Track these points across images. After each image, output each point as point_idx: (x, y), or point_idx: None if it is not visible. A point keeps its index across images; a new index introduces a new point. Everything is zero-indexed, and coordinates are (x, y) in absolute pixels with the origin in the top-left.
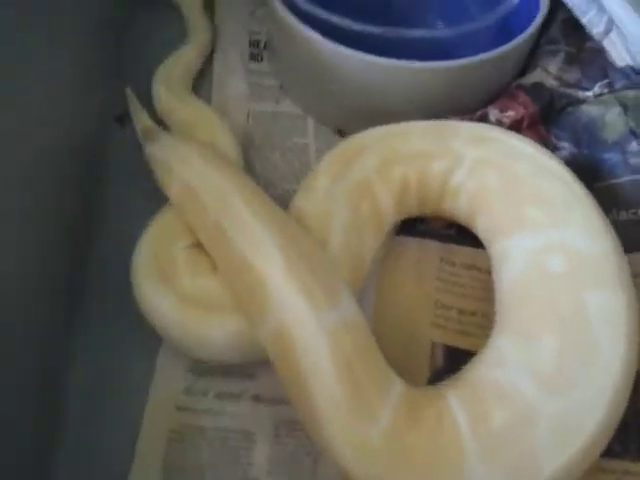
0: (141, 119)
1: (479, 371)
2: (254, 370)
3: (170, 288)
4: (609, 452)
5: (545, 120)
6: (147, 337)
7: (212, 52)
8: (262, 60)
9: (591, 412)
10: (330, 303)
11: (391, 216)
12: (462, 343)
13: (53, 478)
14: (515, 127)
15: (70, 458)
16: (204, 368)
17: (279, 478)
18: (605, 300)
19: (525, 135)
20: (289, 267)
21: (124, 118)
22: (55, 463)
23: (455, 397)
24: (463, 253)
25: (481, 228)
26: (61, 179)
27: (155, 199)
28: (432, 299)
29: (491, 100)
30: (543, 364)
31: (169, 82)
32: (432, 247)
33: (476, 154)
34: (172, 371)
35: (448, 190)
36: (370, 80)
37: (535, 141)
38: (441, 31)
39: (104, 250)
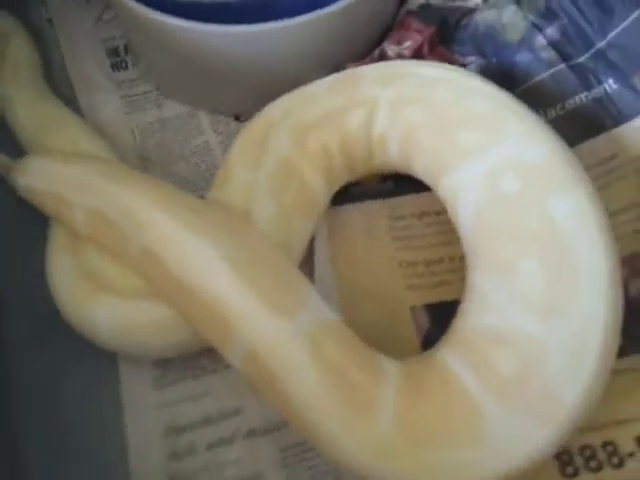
0: None
1: (468, 321)
2: (240, 403)
3: (75, 263)
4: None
5: (444, 40)
6: None
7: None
8: (127, 67)
9: (593, 324)
10: (297, 307)
11: (322, 194)
12: (441, 295)
13: None
14: (417, 56)
15: None
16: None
17: None
18: (570, 204)
19: (431, 59)
20: (241, 278)
21: None
22: None
23: (453, 356)
24: (408, 204)
25: (420, 170)
26: None
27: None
28: (395, 261)
29: (383, 36)
30: (530, 292)
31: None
32: (375, 207)
33: (391, 94)
34: (149, 439)
35: (374, 142)
36: (246, 52)
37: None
38: None
39: None
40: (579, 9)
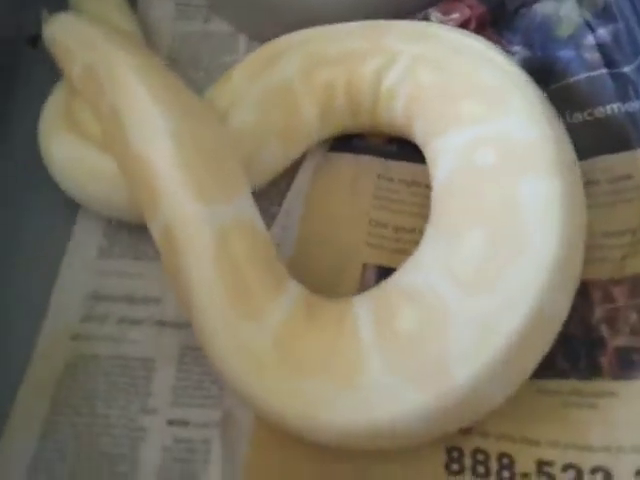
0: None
1: (395, 277)
2: (161, 294)
3: (63, 112)
4: (553, 371)
5: (496, 23)
6: None
7: None
8: None
9: (512, 311)
10: (223, 199)
11: (313, 128)
12: (398, 262)
13: None
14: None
15: None
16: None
17: (182, 408)
18: (538, 187)
19: None
20: (180, 157)
21: (37, 40)
22: None
23: (363, 303)
24: (403, 169)
25: (418, 134)
26: None
27: None
28: (367, 217)
29: (434, 2)
30: (464, 262)
31: None
32: (369, 163)
33: (413, 51)
34: (69, 298)
35: (381, 93)
36: None
37: None
38: None
39: None
40: (638, 16)
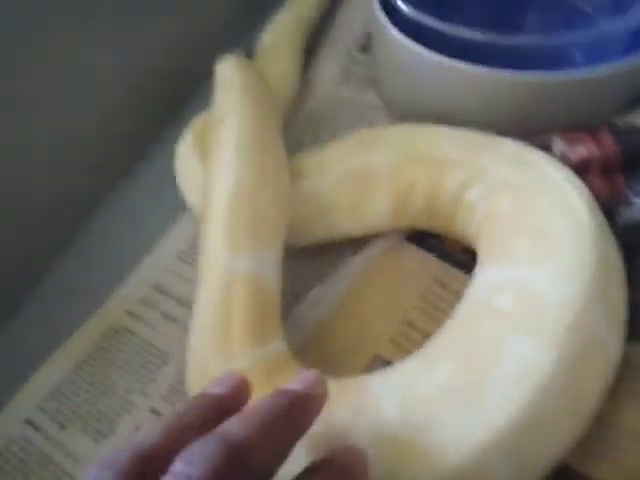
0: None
1: (365, 376)
2: None
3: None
4: None
5: (626, 169)
6: None
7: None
8: (366, 51)
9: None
10: (247, 251)
11: (385, 219)
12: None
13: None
14: (581, 166)
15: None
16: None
17: (168, 405)
18: (526, 351)
19: (595, 180)
20: (229, 212)
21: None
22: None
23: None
24: (462, 281)
25: (479, 252)
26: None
27: None
28: (402, 315)
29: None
30: (419, 389)
31: (275, 28)
32: (432, 264)
33: (503, 173)
34: (142, 280)
35: (461, 204)
36: (457, 86)
37: (605, 189)
38: (551, 37)
39: None
40: None
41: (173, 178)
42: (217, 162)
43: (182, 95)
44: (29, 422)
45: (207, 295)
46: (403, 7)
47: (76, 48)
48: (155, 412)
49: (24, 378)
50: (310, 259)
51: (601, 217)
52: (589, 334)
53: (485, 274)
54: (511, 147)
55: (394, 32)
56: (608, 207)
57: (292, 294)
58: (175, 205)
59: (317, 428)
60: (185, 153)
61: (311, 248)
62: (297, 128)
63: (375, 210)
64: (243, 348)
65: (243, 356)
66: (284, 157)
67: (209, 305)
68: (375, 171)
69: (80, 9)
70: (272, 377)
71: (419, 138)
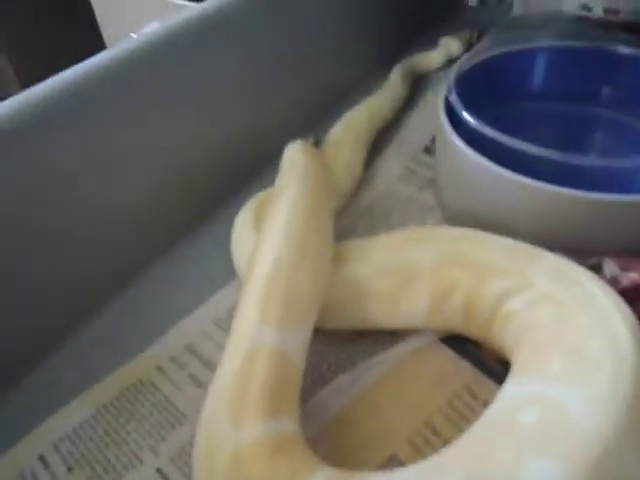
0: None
1: (371, 473)
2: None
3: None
4: None
5: None
6: None
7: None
8: (430, 153)
9: None
10: (275, 325)
11: (420, 315)
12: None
13: None
14: (632, 294)
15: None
16: None
17: (174, 468)
18: (544, 476)
19: None
20: (268, 279)
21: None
22: None
23: (323, 473)
24: (492, 391)
25: (513, 365)
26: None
27: None
28: (425, 417)
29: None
30: None
31: (346, 121)
32: (466, 371)
33: (546, 287)
34: (178, 337)
35: (500, 313)
36: (514, 199)
37: None
38: (620, 161)
39: None
40: None
41: (228, 246)
42: (264, 235)
43: (253, 169)
44: (41, 458)
45: (230, 360)
46: (469, 119)
47: (159, 120)
48: (160, 473)
49: (50, 412)
50: (343, 345)
51: None
52: (615, 472)
53: (514, 387)
54: (557, 262)
55: (457, 141)
56: None
57: (319, 377)
58: (226, 272)
59: None
60: (242, 223)
61: (346, 334)
62: (351, 218)
63: (412, 305)
64: (254, 418)
65: (253, 426)
66: (330, 240)
67: (230, 370)
68: (418, 266)
69: (165, 90)
70: (278, 454)
71: (467, 241)
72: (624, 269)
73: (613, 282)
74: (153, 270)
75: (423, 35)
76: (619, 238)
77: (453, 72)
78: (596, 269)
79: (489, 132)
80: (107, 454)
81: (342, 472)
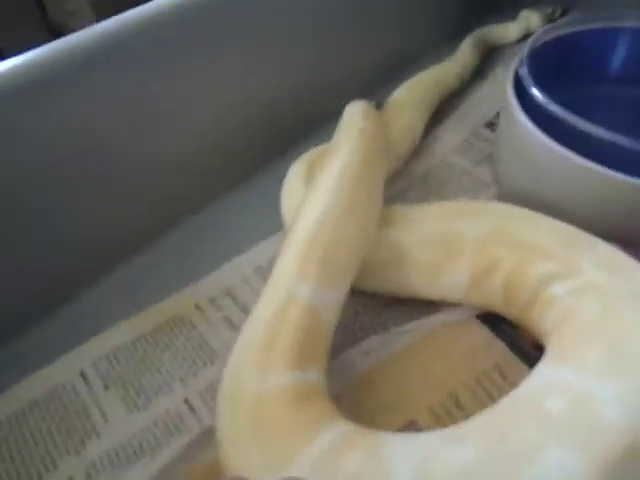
0: None
1: (389, 434)
2: None
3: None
4: None
5: None
6: None
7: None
8: (492, 128)
9: None
10: (312, 281)
11: (459, 289)
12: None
13: None
14: None
15: None
16: None
17: (200, 401)
18: (566, 463)
19: None
20: (310, 237)
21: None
22: None
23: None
24: (523, 374)
25: (548, 350)
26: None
27: None
28: (450, 389)
29: None
30: (436, 466)
31: (411, 84)
32: (498, 350)
33: (595, 276)
34: (220, 278)
35: (541, 297)
36: (576, 183)
37: None
38: None
39: None
40: None
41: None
42: (313, 190)
43: (312, 126)
44: (82, 374)
45: (263, 309)
46: (537, 95)
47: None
48: (187, 403)
49: (95, 332)
50: (379, 309)
51: None
52: (635, 472)
53: (547, 372)
54: (610, 252)
55: (522, 117)
56: None
57: (351, 336)
58: (274, 223)
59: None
60: (293, 176)
61: (383, 299)
62: (405, 184)
63: (452, 278)
64: (280, 367)
65: (278, 374)
66: (379, 202)
67: (261, 319)
68: (463, 239)
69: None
70: (301, 402)
71: (517, 220)
72: None
73: None
74: (200, 217)
75: (504, 6)
76: None
77: (527, 45)
78: None
79: (557, 110)
80: (141, 379)
81: (362, 427)
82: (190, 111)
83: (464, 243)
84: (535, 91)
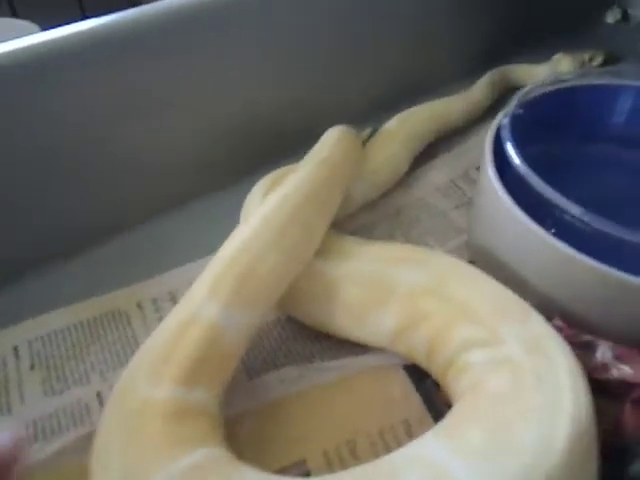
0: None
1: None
2: None
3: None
4: None
5: None
6: None
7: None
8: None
9: None
10: (219, 301)
11: (387, 334)
12: None
13: None
14: (618, 388)
15: None
16: None
17: None
18: None
19: (627, 408)
20: (231, 257)
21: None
22: None
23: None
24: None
25: (444, 419)
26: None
27: None
28: (350, 436)
29: None
30: None
31: (406, 115)
32: (412, 404)
33: (513, 352)
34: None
35: (459, 360)
36: (545, 262)
37: (633, 423)
38: None
39: None
40: None
41: None
42: (251, 215)
43: (301, 142)
44: (15, 349)
45: (168, 322)
46: (511, 153)
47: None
48: (99, 397)
49: (36, 315)
50: (308, 340)
51: (594, 451)
52: None
53: (425, 443)
54: (540, 327)
55: (491, 172)
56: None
57: (272, 362)
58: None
59: None
60: (255, 193)
61: (316, 330)
62: (375, 217)
63: (378, 322)
64: (169, 381)
65: (163, 388)
66: (317, 235)
67: (165, 331)
68: (397, 285)
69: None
70: (176, 420)
71: (457, 276)
72: (618, 358)
73: (600, 369)
74: (167, 220)
75: (541, 46)
76: (627, 325)
77: (517, 95)
78: (589, 347)
79: (522, 169)
80: (65, 365)
81: (234, 458)
82: (172, 118)
83: (396, 290)
84: (509, 145)
